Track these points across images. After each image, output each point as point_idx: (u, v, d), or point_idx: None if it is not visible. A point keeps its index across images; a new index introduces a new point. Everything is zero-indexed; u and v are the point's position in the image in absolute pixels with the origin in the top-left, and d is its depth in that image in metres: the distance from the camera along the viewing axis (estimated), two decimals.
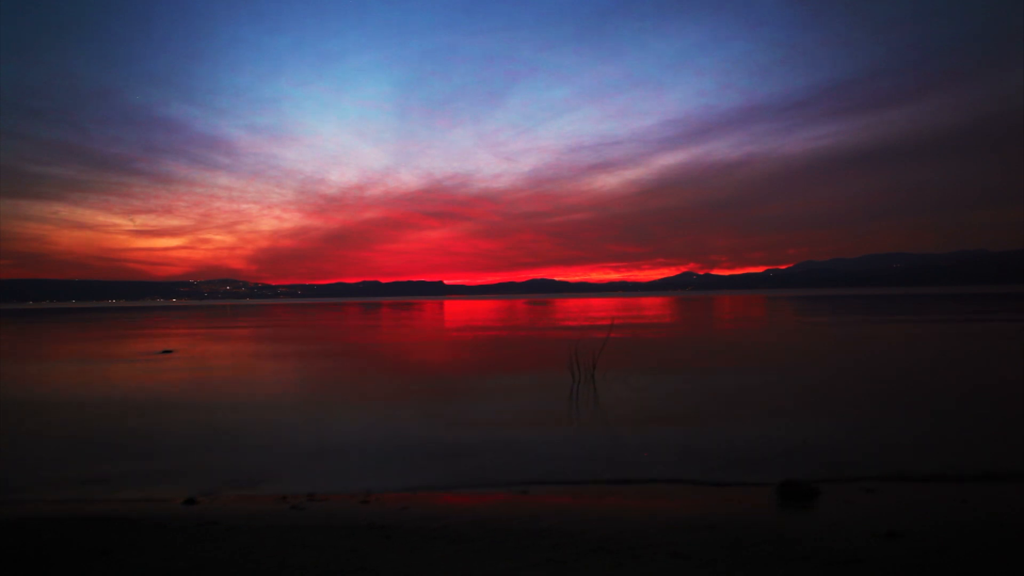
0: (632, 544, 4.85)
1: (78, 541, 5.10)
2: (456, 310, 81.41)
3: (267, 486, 7.62)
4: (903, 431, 9.59)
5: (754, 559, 4.53)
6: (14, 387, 16.35)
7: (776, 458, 8.16)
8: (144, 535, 5.30)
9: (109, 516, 5.90)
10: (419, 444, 9.40)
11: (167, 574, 4.42)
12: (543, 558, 4.53)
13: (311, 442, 9.73)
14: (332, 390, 15.15)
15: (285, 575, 4.32)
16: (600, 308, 72.56)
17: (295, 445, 9.58)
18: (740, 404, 12.13)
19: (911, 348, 22.35)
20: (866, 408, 11.52)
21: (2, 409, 13.04)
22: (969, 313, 44.01)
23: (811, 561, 4.44)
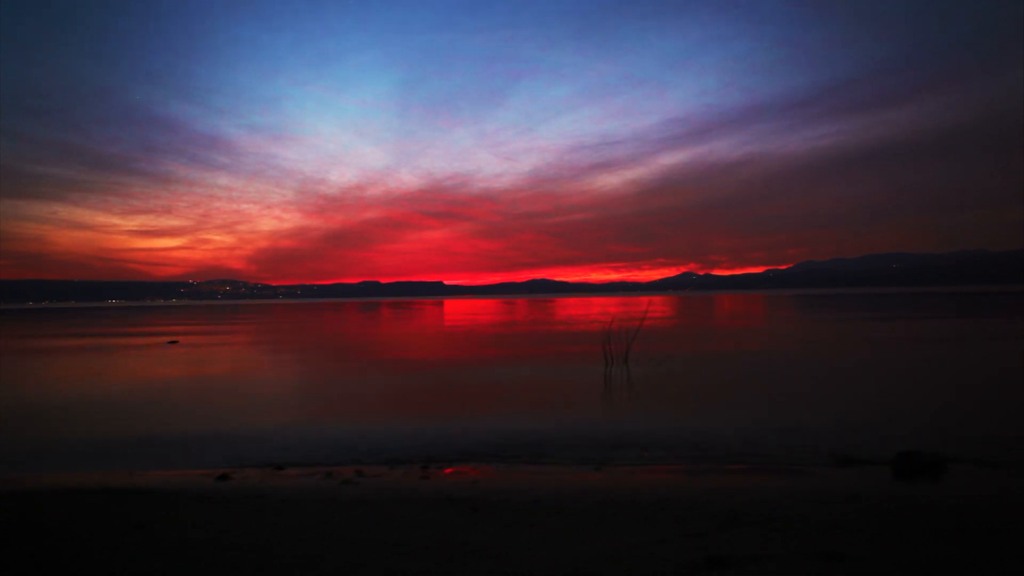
0: (771, 515, 4.05)
1: (111, 514, 4.31)
2: (462, 309, 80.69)
3: (296, 464, 6.83)
4: (958, 413, 8.80)
5: (931, 533, 3.73)
6: (40, 373, 15.91)
7: (854, 436, 7.38)
8: (182, 508, 4.50)
9: (141, 489, 5.11)
10: (448, 427, 8.52)
11: (218, 546, 3.62)
12: (675, 531, 3.74)
13: (324, 425, 8.91)
14: (339, 379, 14.32)
15: (369, 547, 3.52)
16: (608, 306, 71.89)
17: (308, 427, 8.77)
18: (789, 390, 11.36)
19: (941, 343, 21.62)
20: (928, 393, 10.77)
21: (31, 390, 12.47)
22: (989, 311, 43.35)
23: (999, 536, 3.64)
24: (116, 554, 3.65)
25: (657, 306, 62.22)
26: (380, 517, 4.16)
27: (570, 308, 62.80)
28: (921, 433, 7.39)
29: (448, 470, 6.24)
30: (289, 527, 3.99)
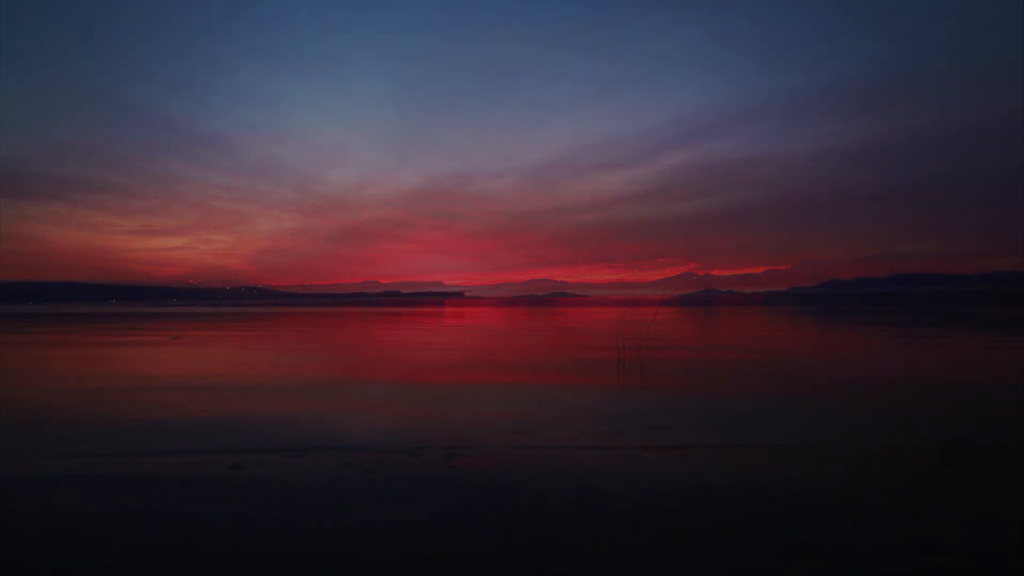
0: (849, 500, 3.73)
1: (125, 500, 4.00)
2: (468, 313, 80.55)
3: (310, 454, 6.52)
4: (985, 405, 8.52)
5: (1015, 519, 3.43)
6: (45, 367, 15.74)
7: (893, 427, 7.09)
8: (197, 494, 4.19)
9: (154, 476, 4.81)
10: (462, 423, 8.23)
11: (235, 532, 3.32)
12: (745, 517, 3.42)
13: (329, 422, 8.61)
14: (341, 374, 13.99)
15: (403, 534, 3.20)
16: (614, 308, 71.58)
17: (314, 424, 8.47)
18: (809, 385, 11.07)
19: (946, 340, 21.38)
20: (948, 388, 10.50)
21: (38, 384, 12.30)
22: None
23: None
24: (133, 540, 3.35)
25: (664, 313, 61.96)
26: (410, 504, 3.85)
27: (582, 315, 62.53)
28: (957, 424, 7.11)
29: (474, 460, 5.92)
30: (310, 513, 3.68)
